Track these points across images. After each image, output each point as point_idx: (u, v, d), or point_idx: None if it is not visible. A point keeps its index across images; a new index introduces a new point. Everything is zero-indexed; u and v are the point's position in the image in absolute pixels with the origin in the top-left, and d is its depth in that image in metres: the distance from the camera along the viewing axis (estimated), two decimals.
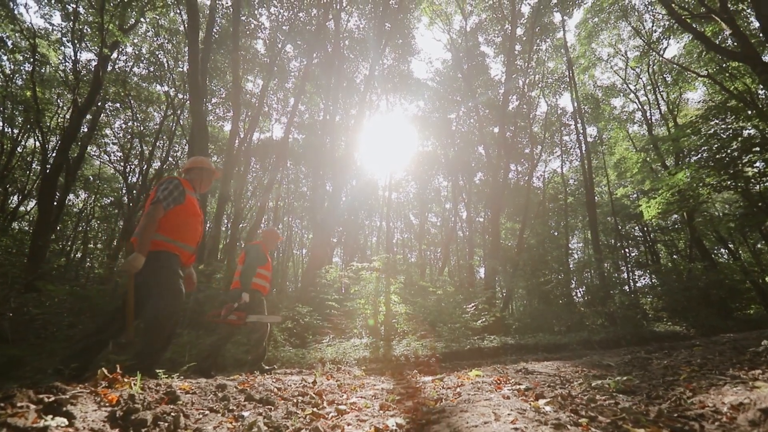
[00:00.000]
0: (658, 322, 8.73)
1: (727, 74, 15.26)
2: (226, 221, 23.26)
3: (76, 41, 14.52)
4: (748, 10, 14.79)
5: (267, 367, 3.35)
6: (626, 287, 16.88)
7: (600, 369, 2.29)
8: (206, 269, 5.85)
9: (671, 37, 17.22)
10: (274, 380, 1.89)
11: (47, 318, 5.51)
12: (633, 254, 23.05)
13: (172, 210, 2.37)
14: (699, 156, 6.33)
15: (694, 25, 14.76)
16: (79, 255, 22.29)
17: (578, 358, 3.88)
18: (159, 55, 18.15)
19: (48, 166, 13.71)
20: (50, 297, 6.50)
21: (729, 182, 6.05)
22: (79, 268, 18.57)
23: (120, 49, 18.29)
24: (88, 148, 20.28)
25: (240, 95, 8.93)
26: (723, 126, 6.19)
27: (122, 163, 20.01)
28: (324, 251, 9.92)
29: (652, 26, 17.75)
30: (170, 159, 20.76)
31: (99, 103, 17.47)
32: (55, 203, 14.88)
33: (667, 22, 17.07)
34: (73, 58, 14.58)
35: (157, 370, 2.05)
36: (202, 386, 1.51)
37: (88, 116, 18.18)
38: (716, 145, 6.02)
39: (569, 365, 2.39)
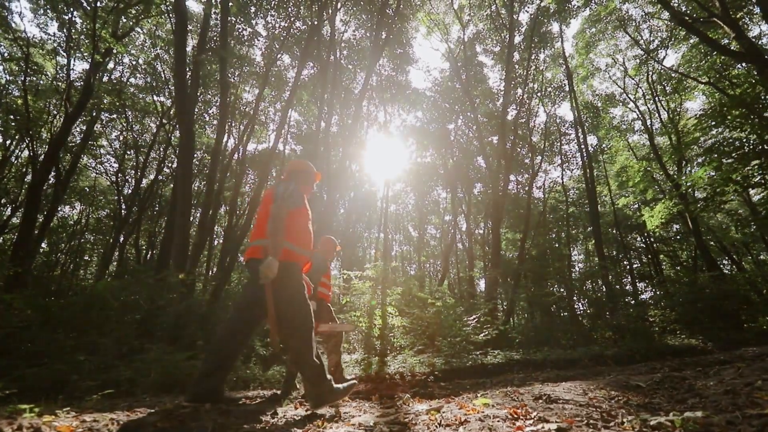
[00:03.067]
0: (670, 335, 8.25)
1: (727, 82, 15.12)
2: (221, 231, 22.85)
3: (71, 50, 14.39)
4: (747, 18, 14.79)
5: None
6: (631, 299, 16.40)
7: (634, 393, 1.88)
8: (187, 278, 5.42)
9: (669, 47, 17.20)
10: (219, 413, 1.47)
11: (9, 332, 5.01)
12: (636, 266, 22.64)
13: (292, 213, 2.24)
14: (721, 150, 5.99)
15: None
16: (72, 267, 21.85)
17: (596, 376, 3.44)
18: (156, 66, 18.05)
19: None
20: (23, 309, 6.05)
21: (760, 176, 5.66)
22: (63, 281, 18.06)
23: (117, 60, 18.22)
24: (85, 159, 20.05)
25: (228, 94, 8.64)
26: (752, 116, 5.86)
27: (116, 175, 19.69)
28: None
29: (650, 36, 17.76)
30: (166, 169, 20.47)
31: (94, 113, 17.27)
32: (46, 213, 14.53)
33: (665, 32, 17.10)
34: (67, 66, 14.40)
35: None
36: (100, 427, 1.09)
37: (83, 126, 18.01)
38: (742, 138, 5.69)
39: (594, 387, 1.98)
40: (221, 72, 8.10)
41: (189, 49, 14.07)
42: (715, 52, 15.18)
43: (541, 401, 1.56)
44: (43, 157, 12.39)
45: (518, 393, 1.79)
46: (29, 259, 11.88)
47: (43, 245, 20.34)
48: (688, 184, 7.12)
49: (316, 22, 10.41)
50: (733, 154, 5.68)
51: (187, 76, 8.61)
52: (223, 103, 7.96)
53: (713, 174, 6.15)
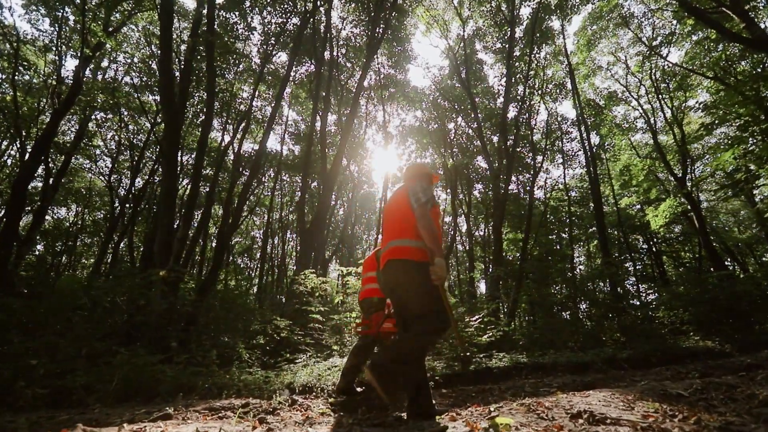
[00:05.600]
0: (682, 337, 7.86)
1: (732, 78, 14.84)
2: (215, 228, 22.48)
3: (63, 46, 14.11)
4: (752, 14, 14.52)
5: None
6: (636, 301, 16.03)
7: (686, 405, 1.50)
8: (169, 275, 5.04)
9: (672, 43, 16.93)
10: None
11: None
12: (638, 267, 22.27)
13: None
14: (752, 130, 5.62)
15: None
16: (69, 269, 21.52)
17: (617, 381, 3.06)
18: (151, 64, 17.73)
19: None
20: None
21: None
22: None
23: (112, 57, 17.92)
24: (80, 159, 19.69)
25: (215, 81, 8.29)
26: None
27: (108, 175, 19.28)
28: (309, 263, 9.13)
29: (653, 34, 17.53)
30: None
31: (87, 111, 16.94)
32: (36, 212, 14.16)
33: (668, 29, 16.84)
34: (58, 62, 14.10)
35: None
36: None
37: (77, 126, 17.65)
38: None
39: (632, 398, 1.60)
40: (208, 58, 7.76)
41: (183, 48, 13.79)
42: (719, 47, 14.93)
43: (581, 421, 1.16)
44: (29, 153, 12.02)
45: (543, 406, 1.41)
46: (18, 258, 11.51)
47: (39, 247, 20.02)
48: (715, 167, 6.73)
49: (310, 8, 10.04)
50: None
51: (175, 67, 8.27)
52: (210, 90, 7.61)
53: (734, 157, 5.78)
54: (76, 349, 3.13)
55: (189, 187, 8.52)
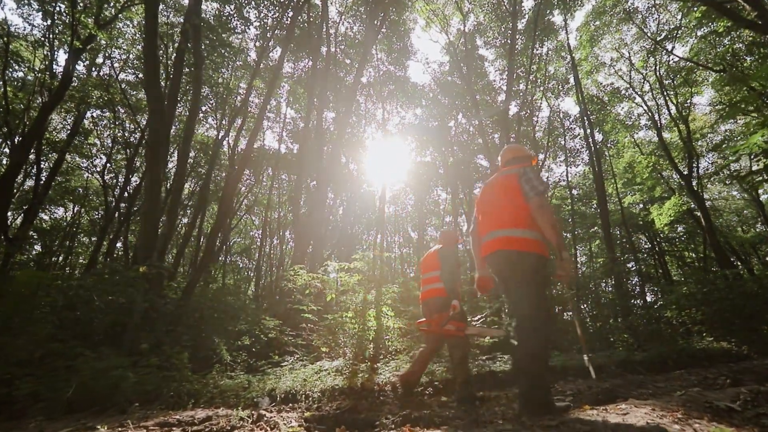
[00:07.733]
0: (693, 338, 7.52)
1: (738, 74, 14.52)
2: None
3: (55, 41, 13.83)
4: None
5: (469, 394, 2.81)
6: (640, 301, 15.69)
7: (746, 423, 1.18)
8: (150, 272, 4.70)
9: (676, 38, 16.63)
10: None
11: None
12: (642, 268, 21.94)
13: None
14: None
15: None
16: (68, 269, 21.24)
17: (638, 389, 2.72)
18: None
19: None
20: None
21: None
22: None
23: (107, 54, 17.63)
24: (77, 158, 19.38)
25: (202, 67, 7.96)
26: None
27: (102, 173, 18.93)
28: (304, 258, 8.82)
29: (657, 29, 17.24)
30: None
31: (81, 108, 16.64)
32: (27, 211, 13.90)
33: (672, 25, 16.53)
34: (50, 57, 13.81)
35: None
36: None
37: (70, 121, 17.34)
38: None
39: (680, 415, 1.28)
40: (194, 43, 7.45)
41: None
42: (726, 42, 14.62)
43: None
44: (17, 147, 11.70)
45: (573, 431, 1.09)
46: (7, 257, 11.21)
47: (38, 247, 19.74)
48: (742, 151, 6.37)
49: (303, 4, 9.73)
50: None
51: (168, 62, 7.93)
52: (196, 76, 7.30)
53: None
54: (29, 352, 2.80)
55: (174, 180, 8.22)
